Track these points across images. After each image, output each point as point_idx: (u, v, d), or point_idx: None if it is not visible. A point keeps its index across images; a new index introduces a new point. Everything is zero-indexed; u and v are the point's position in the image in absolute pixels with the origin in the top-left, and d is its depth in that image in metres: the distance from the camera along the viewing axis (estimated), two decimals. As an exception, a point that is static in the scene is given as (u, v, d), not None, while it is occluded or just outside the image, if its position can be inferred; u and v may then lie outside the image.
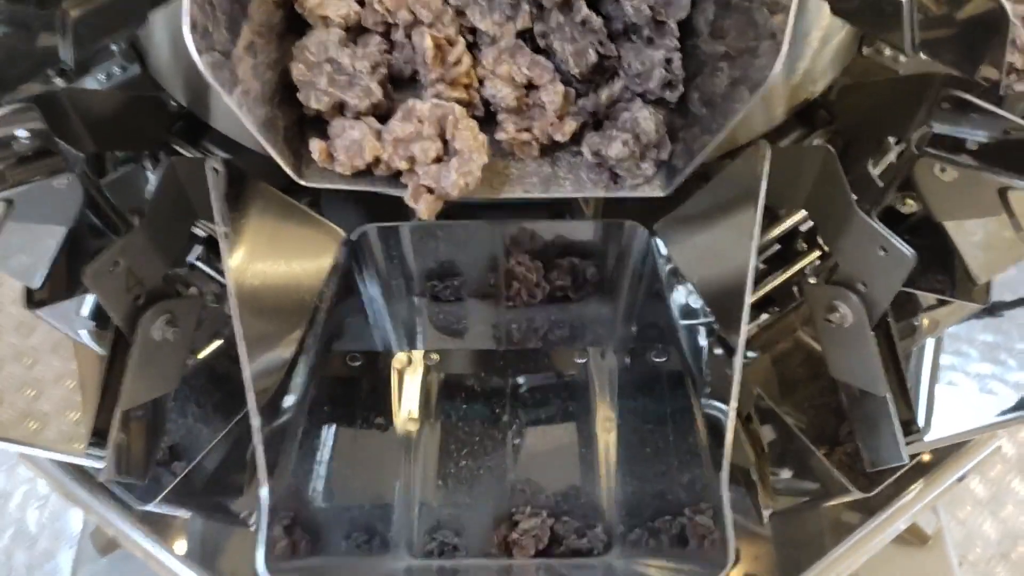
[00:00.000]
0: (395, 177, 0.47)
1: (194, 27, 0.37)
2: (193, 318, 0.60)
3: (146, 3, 0.46)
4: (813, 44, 0.60)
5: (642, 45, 0.46)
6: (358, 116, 0.46)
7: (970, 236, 0.63)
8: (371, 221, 0.55)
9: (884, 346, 0.59)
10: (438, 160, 0.45)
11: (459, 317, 0.65)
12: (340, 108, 0.46)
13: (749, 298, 0.44)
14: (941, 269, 0.66)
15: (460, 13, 0.47)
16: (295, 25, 0.48)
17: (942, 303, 0.75)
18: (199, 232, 0.73)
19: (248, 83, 0.42)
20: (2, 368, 0.81)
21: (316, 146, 0.46)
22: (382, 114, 0.47)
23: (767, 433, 0.70)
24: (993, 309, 0.81)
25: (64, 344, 0.85)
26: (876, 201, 0.56)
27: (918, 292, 0.70)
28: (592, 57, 0.45)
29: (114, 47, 0.69)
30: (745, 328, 0.44)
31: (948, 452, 0.78)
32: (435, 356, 0.67)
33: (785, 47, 0.38)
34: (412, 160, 0.45)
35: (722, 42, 0.44)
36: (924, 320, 0.77)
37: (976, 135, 0.53)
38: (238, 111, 0.40)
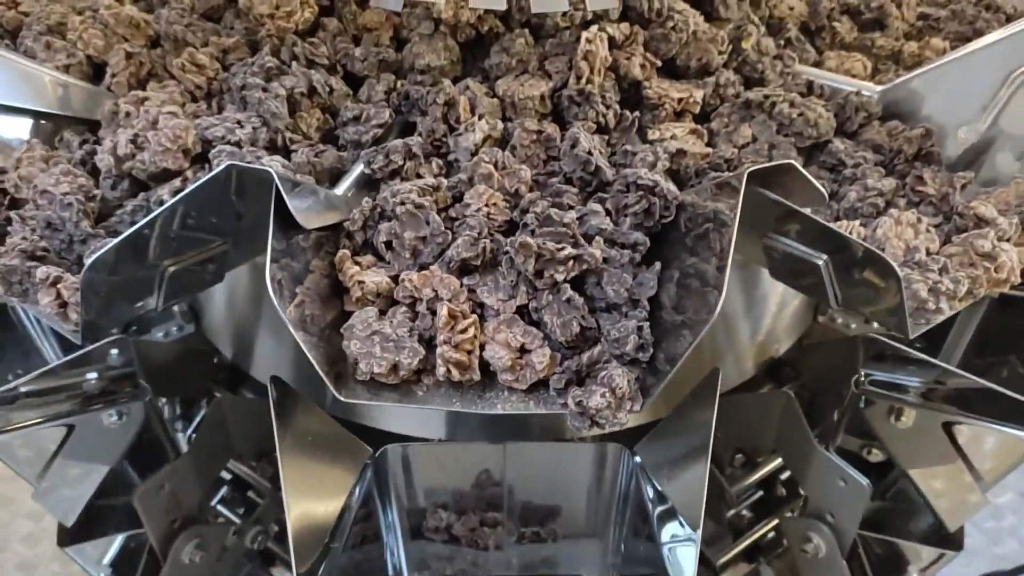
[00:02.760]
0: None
1: (275, 291, 0.47)
2: (219, 545, 0.64)
3: (225, 264, 0.57)
4: (772, 308, 0.71)
5: (619, 316, 0.56)
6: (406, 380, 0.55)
7: (934, 483, 0.69)
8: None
9: (859, 579, 0.62)
10: None
11: (463, 549, 0.69)
12: (394, 368, 0.54)
13: (701, 521, 0.50)
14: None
15: (472, 290, 0.58)
16: (338, 290, 0.59)
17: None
18: (224, 475, 0.80)
19: (308, 326, 0.52)
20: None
21: None
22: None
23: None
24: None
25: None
26: (833, 438, 0.63)
27: (899, 540, 0.75)
28: (575, 328, 0.55)
29: (176, 308, 0.81)
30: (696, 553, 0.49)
31: None
32: (441, 584, 0.70)
33: (714, 317, 0.47)
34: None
35: (683, 315, 0.53)
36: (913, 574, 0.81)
37: (913, 381, 0.62)
38: (304, 346, 0.49)
